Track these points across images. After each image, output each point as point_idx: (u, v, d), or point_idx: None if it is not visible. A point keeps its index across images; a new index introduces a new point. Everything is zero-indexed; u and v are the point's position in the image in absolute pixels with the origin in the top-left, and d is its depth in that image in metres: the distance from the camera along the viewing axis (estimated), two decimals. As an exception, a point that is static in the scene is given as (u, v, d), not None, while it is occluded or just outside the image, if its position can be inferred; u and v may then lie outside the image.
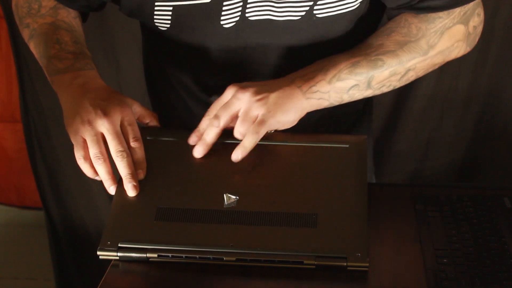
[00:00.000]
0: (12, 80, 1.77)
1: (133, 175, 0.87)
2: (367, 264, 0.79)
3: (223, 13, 0.92)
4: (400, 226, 0.91)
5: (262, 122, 0.89)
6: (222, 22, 0.93)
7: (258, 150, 0.91)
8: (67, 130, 0.91)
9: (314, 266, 0.80)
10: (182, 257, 0.82)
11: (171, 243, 0.83)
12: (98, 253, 0.83)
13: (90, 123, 0.87)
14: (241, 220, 0.85)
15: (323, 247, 0.81)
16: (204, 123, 0.92)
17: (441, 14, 0.95)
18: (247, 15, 0.93)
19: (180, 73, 1.07)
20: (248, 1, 0.92)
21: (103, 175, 0.88)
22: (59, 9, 1.02)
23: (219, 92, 1.03)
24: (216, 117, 0.90)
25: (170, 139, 0.95)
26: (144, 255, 0.82)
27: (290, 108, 0.91)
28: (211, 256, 0.81)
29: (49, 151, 1.79)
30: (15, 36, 1.64)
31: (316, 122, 1.10)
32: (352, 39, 1.01)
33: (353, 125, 1.16)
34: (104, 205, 1.85)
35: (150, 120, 0.96)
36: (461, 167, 1.77)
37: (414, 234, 0.88)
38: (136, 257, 0.83)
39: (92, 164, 0.88)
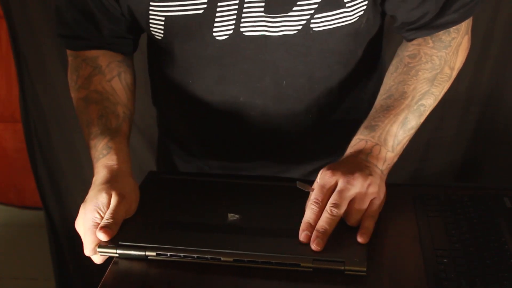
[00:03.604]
0: (12, 80, 1.77)
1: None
2: (365, 269, 0.79)
3: (215, 24, 0.92)
4: (400, 226, 0.91)
5: (378, 206, 0.89)
6: (214, 34, 0.93)
7: (264, 190, 0.96)
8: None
9: (311, 269, 0.80)
10: (180, 256, 0.82)
11: (170, 244, 0.83)
12: (98, 249, 0.84)
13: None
14: (241, 231, 0.86)
15: (321, 250, 0.82)
16: (311, 212, 0.86)
17: (454, 34, 0.97)
18: (241, 29, 0.92)
19: (179, 85, 1.06)
20: (243, 15, 0.91)
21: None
22: (94, 76, 1.02)
23: (217, 111, 1.03)
24: (335, 205, 0.85)
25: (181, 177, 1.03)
26: (143, 253, 0.83)
27: (384, 186, 0.91)
28: (208, 256, 0.81)
29: (49, 151, 1.79)
30: (15, 36, 1.64)
31: (315, 139, 1.10)
32: (350, 56, 1.01)
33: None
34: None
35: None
36: (461, 167, 1.77)
37: (414, 234, 0.88)
38: (135, 255, 0.83)
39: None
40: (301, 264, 0.80)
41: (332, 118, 1.08)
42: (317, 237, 0.82)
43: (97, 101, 1.01)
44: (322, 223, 0.84)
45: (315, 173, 1.16)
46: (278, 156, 1.13)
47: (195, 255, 0.82)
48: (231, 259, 0.81)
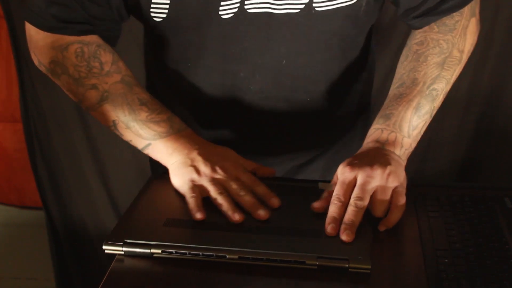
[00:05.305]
0: (12, 80, 1.77)
1: (257, 204, 0.90)
2: (369, 267, 0.80)
3: (222, 3, 0.93)
4: (400, 226, 0.91)
5: (401, 193, 0.90)
6: (220, 12, 0.94)
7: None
8: (173, 184, 0.95)
9: (316, 267, 0.80)
10: (185, 253, 0.82)
11: (175, 241, 0.83)
12: (104, 247, 0.84)
13: (206, 174, 0.93)
14: (246, 229, 0.86)
15: (325, 248, 0.82)
16: (335, 207, 0.87)
17: (457, 17, 0.97)
18: (246, 7, 0.93)
19: (178, 71, 1.06)
20: None
21: (228, 207, 0.89)
22: (118, 62, 1.00)
23: (217, 93, 1.03)
24: (359, 198, 0.86)
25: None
26: (149, 250, 0.83)
27: (404, 173, 0.92)
28: (214, 254, 0.82)
29: (49, 151, 1.79)
30: (15, 36, 1.64)
31: (310, 127, 1.10)
32: (350, 42, 1.03)
33: (347, 130, 1.17)
34: (104, 205, 1.85)
35: (263, 172, 0.98)
36: (462, 167, 1.77)
37: (415, 234, 0.88)
38: (140, 252, 0.83)
39: (200, 201, 0.90)
40: (306, 262, 0.80)
41: (329, 106, 1.09)
42: (345, 229, 0.84)
43: (139, 85, 1.01)
44: (349, 216, 0.85)
45: (307, 165, 1.17)
46: (274, 143, 1.13)
47: (200, 253, 0.82)
48: (236, 257, 0.81)
